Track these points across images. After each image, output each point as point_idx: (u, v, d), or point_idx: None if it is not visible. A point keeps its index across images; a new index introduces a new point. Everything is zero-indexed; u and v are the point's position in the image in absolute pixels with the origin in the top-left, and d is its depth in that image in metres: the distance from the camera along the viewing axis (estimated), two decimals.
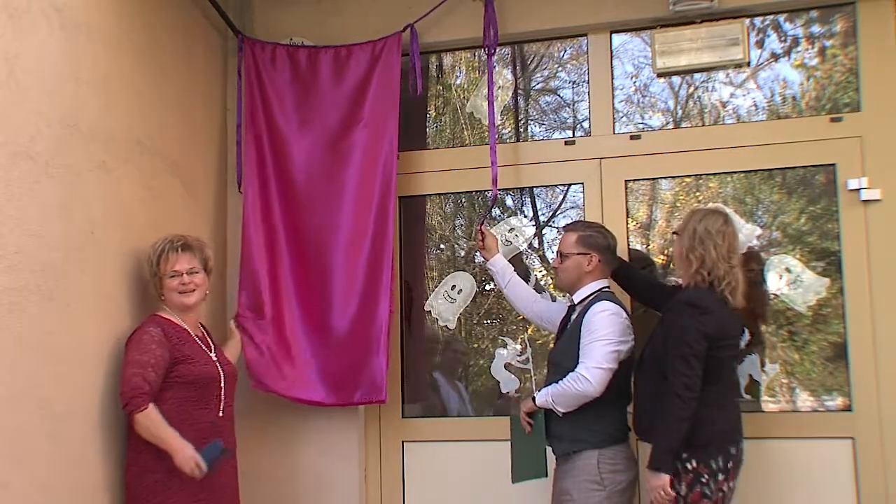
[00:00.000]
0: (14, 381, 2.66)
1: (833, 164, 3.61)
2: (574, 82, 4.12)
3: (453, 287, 4.07)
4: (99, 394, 3.04)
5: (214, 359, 3.29)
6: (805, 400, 3.67)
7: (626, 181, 3.84)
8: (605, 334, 3.14)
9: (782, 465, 3.52)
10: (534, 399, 3.26)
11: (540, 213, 4.14)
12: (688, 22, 3.78)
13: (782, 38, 3.85)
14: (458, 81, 4.27)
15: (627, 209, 3.83)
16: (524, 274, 3.87)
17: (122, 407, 3.02)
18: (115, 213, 3.23)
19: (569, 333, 3.31)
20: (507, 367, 3.97)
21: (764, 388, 3.66)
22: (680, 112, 4.01)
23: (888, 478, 3.42)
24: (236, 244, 3.94)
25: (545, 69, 4.24)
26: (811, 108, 3.78)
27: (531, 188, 4.08)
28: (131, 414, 2.99)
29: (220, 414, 3.23)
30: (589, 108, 3.94)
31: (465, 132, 4.20)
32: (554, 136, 4.13)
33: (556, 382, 3.19)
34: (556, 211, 4.14)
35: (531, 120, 4.25)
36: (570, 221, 3.70)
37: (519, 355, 3.98)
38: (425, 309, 4.09)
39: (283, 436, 3.91)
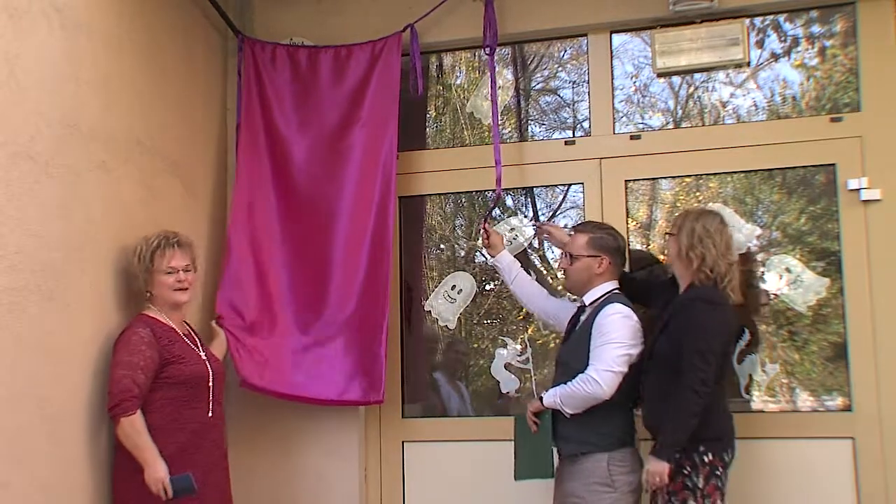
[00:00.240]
0: (14, 381, 2.66)
1: (833, 164, 3.61)
2: (574, 82, 4.12)
3: (453, 287, 4.07)
4: (99, 394, 3.04)
5: (204, 357, 3.24)
6: (805, 400, 3.67)
7: (626, 181, 3.84)
8: (617, 337, 3.13)
9: (782, 465, 3.52)
10: (541, 399, 3.25)
11: (540, 213, 4.14)
12: (688, 22, 3.78)
13: (782, 38, 3.85)
14: (458, 81, 4.27)
15: (627, 209, 3.83)
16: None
17: (107, 409, 2.98)
18: (115, 213, 3.23)
19: (578, 334, 3.29)
20: (507, 367, 3.97)
21: (764, 388, 3.66)
22: (680, 112, 4.01)
23: (888, 478, 3.42)
24: None
25: (545, 69, 4.24)
26: (811, 108, 3.78)
27: (531, 188, 4.08)
28: (117, 417, 2.94)
29: (210, 414, 3.18)
30: (589, 108, 3.94)
31: (465, 132, 4.20)
32: (554, 136, 4.13)
33: (565, 383, 3.18)
34: (556, 211, 4.14)
35: (531, 120, 4.25)
36: (579, 222, 3.65)
37: (519, 355, 3.98)
38: (425, 309, 4.09)
39: (282, 436, 3.90)
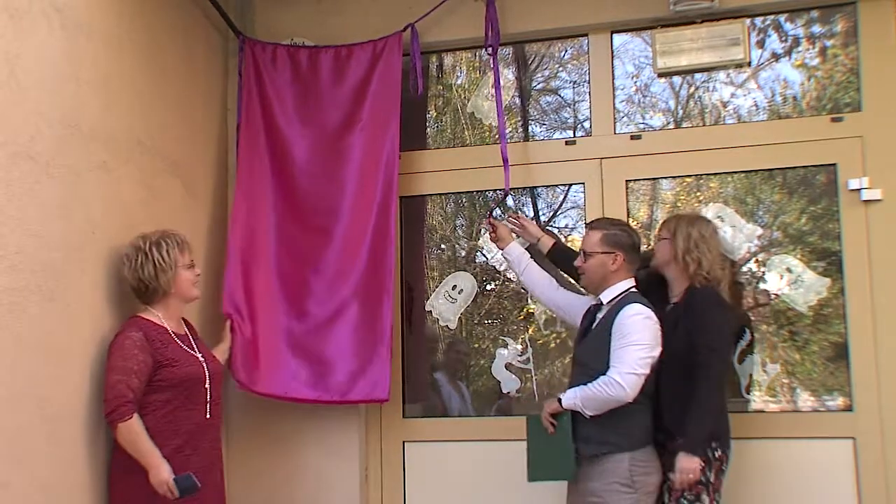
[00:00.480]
0: (14, 381, 2.66)
1: (834, 164, 3.61)
2: (575, 82, 4.12)
3: (454, 287, 4.07)
4: (99, 394, 3.03)
5: (200, 357, 3.21)
6: (806, 400, 3.67)
7: (626, 181, 3.84)
8: (639, 339, 3.08)
9: (783, 465, 3.52)
10: (559, 400, 3.20)
11: (541, 212, 4.14)
12: (688, 22, 3.78)
13: (783, 38, 3.85)
14: (458, 81, 4.27)
15: (628, 209, 3.83)
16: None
17: (104, 415, 2.96)
18: (116, 213, 3.22)
19: (596, 333, 3.24)
20: (508, 367, 3.97)
21: (765, 388, 3.66)
22: (681, 112, 4.01)
23: (889, 478, 3.42)
24: None
25: (546, 69, 4.25)
26: (812, 108, 3.78)
27: (532, 188, 4.08)
28: (114, 423, 2.93)
29: (209, 416, 3.16)
30: (590, 108, 3.95)
31: (466, 132, 4.20)
32: (555, 136, 4.13)
33: (584, 384, 3.14)
34: (556, 211, 4.14)
35: (532, 120, 4.25)
36: (594, 218, 3.55)
37: (520, 355, 3.98)
38: (426, 309, 4.09)
39: (283, 436, 3.90)
